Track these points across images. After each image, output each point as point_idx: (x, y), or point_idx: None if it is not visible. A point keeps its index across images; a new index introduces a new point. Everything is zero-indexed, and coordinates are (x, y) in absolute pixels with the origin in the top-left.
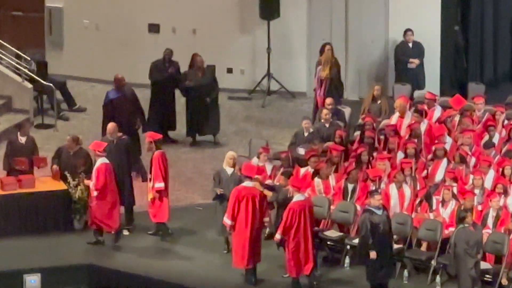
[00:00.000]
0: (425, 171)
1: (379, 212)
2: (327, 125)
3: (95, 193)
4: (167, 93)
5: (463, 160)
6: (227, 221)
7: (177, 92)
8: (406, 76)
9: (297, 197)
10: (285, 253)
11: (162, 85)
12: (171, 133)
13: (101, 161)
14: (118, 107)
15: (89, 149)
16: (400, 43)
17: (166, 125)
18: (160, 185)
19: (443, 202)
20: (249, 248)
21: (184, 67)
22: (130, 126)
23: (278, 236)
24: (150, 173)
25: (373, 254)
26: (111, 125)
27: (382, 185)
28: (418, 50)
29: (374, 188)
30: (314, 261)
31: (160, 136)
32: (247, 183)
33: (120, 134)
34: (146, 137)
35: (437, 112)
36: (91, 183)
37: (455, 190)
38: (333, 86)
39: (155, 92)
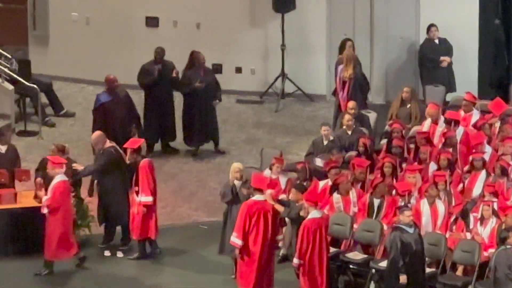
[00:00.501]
0: (461, 185)
1: (410, 230)
2: (349, 132)
3: (45, 210)
4: (164, 98)
5: (504, 172)
6: (236, 241)
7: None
8: (435, 77)
9: (313, 214)
10: (300, 278)
11: (158, 89)
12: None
13: (59, 178)
14: (110, 111)
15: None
16: (426, 40)
17: (166, 134)
18: (147, 199)
19: (482, 220)
20: (258, 270)
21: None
22: (125, 134)
23: (296, 261)
24: (136, 185)
25: (403, 278)
26: (95, 135)
27: (412, 201)
28: (446, 47)
29: (403, 203)
30: (332, 286)
31: (140, 141)
32: (257, 197)
33: (109, 144)
34: (128, 149)
35: (474, 117)
36: (44, 198)
37: (495, 206)
38: (357, 86)
39: (150, 97)
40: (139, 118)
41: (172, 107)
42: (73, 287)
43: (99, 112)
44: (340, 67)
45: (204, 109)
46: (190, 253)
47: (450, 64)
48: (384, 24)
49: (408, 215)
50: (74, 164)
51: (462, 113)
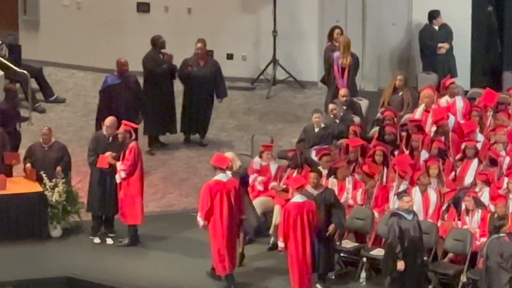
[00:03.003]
0: (453, 173)
1: (409, 216)
2: (337, 121)
3: None
4: (166, 90)
5: (493, 162)
6: (199, 220)
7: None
8: (434, 64)
9: (296, 198)
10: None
11: (161, 81)
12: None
13: None
14: (116, 94)
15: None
16: (425, 26)
17: (166, 127)
18: (120, 174)
19: (467, 211)
20: (228, 251)
21: (177, 52)
22: (128, 118)
23: (280, 244)
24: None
25: (400, 265)
26: (110, 120)
27: (403, 187)
28: (446, 33)
29: (393, 189)
30: (330, 264)
31: (137, 126)
32: (220, 176)
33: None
34: (123, 126)
35: (459, 103)
36: None
37: (486, 195)
38: (355, 73)
39: (152, 88)
40: (146, 106)
41: (173, 99)
42: (63, 274)
43: (105, 94)
44: (336, 54)
45: (199, 100)
46: (179, 240)
47: (450, 49)
48: (377, 10)
49: (407, 201)
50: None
51: (445, 99)
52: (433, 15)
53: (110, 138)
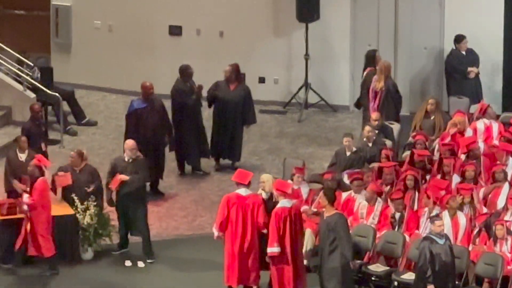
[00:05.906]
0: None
1: (441, 241)
2: (369, 144)
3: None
4: (195, 119)
5: None
6: (214, 231)
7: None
8: (463, 88)
9: (282, 203)
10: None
11: (189, 110)
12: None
13: None
14: (143, 118)
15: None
16: (453, 51)
17: (199, 153)
18: (26, 202)
19: (496, 240)
20: (237, 264)
21: (209, 75)
22: (157, 143)
23: (270, 250)
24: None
25: None
26: (131, 142)
27: (435, 212)
28: (473, 58)
29: (425, 214)
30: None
31: (48, 164)
32: (240, 190)
33: (138, 153)
34: (35, 160)
35: (494, 126)
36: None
37: None
38: (389, 98)
39: (181, 118)
40: (171, 129)
41: (203, 126)
42: None
43: (132, 118)
44: (375, 77)
45: (228, 124)
46: (210, 263)
47: (477, 74)
48: (408, 34)
49: (439, 225)
50: (120, 176)
51: (483, 122)
52: (459, 39)
53: (130, 160)
